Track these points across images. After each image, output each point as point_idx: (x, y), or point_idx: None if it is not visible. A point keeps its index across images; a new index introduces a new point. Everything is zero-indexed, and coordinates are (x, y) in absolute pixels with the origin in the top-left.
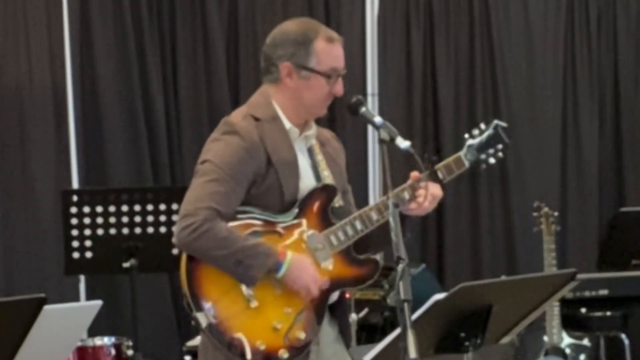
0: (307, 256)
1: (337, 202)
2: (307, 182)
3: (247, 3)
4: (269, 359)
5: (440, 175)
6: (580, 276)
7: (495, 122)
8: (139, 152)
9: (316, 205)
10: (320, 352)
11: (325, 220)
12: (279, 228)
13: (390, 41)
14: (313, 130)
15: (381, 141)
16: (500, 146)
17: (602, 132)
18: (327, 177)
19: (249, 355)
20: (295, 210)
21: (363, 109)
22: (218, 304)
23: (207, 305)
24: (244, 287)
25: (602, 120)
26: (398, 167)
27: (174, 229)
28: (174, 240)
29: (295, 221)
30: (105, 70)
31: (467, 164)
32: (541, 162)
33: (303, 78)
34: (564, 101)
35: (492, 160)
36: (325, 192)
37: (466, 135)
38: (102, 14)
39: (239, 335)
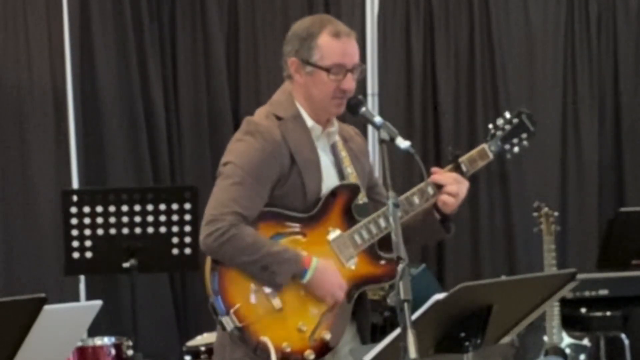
0: (332, 261)
1: (361, 199)
2: (329, 180)
3: (247, 3)
4: None
5: (464, 168)
6: (580, 276)
7: (520, 110)
8: (139, 152)
9: (339, 204)
10: (337, 350)
11: (349, 218)
12: (303, 228)
13: (390, 41)
14: (335, 127)
15: (381, 141)
16: (525, 135)
17: (602, 132)
18: (351, 174)
19: (274, 358)
20: (318, 210)
21: (363, 109)
22: (243, 307)
23: (232, 309)
24: (267, 290)
25: (602, 120)
26: (399, 167)
27: (200, 235)
28: (200, 245)
29: (319, 221)
30: (105, 70)
31: (491, 155)
32: (541, 162)
33: (308, 74)
34: (564, 101)
35: (516, 150)
36: (347, 190)
37: (490, 126)
38: (102, 14)
39: (265, 338)
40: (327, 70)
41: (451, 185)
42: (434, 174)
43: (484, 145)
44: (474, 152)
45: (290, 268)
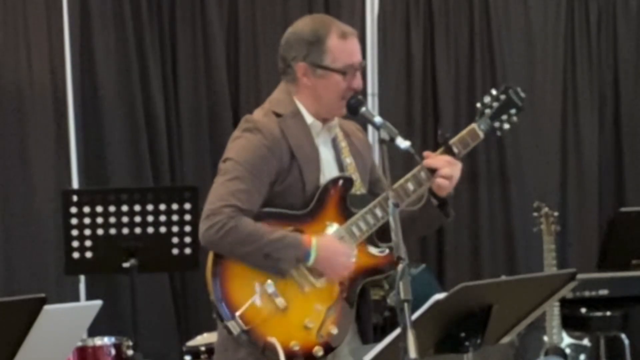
0: (328, 235)
1: (359, 189)
2: (330, 175)
3: (247, 3)
4: (304, 358)
5: (455, 150)
6: (580, 276)
7: (507, 86)
8: (139, 152)
9: (334, 197)
10: (337, 350)
11: (345, 210)
12: (301, 226)
13: (390, 41)
14: (335, 120)
15: (381, 141)
16: (513, 111)
17: (602, 132)
18: (350, 165)
19: (282, 358)
20: (314, 205)
21: (363, 109)
22: (247, 310)
23: (236, 313)
24: (270, 290)
25: (602, 120)
26: (399, 167)
27: (199, 229)
28: (200, 240)
29: (316, 216)
30: (105, 70)
31: (481, 134)
32: (541, 162)
33: (319, 77)
34: (564, 101)
35: (506, 126)
36: (341, 182)
37: (478, 105)
38: (102, 14)
39: (272, 338)
40: (341, 72)
41: (444, 168)
42: (426, 158)
43: (474, 125)
44: (464, 132)
45: (292, 252)
